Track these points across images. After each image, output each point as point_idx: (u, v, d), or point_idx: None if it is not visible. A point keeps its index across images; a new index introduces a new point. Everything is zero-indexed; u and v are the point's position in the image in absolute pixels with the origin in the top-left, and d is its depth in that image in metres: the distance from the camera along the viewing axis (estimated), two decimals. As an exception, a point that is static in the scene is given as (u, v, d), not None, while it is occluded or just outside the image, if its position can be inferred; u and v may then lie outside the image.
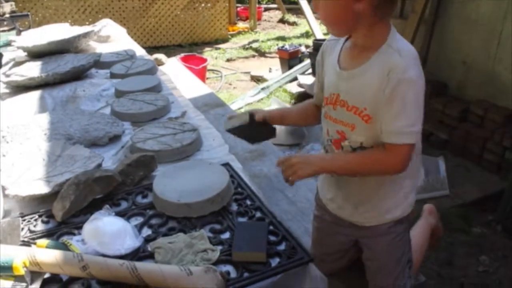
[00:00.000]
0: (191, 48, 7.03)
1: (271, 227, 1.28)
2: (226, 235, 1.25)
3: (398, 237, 1.45)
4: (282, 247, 1.21)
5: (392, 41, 1.21)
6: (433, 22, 3.87)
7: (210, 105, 2.93)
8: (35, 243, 1.24)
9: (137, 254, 1.18)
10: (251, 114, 1.47)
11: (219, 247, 1.18)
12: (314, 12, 4.28)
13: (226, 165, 1.56)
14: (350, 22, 1.20)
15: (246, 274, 1.11)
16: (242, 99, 4.40)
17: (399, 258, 1.48)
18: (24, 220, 1.36)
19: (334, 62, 1.33)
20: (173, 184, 1.38)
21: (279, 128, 3.49)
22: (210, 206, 1.32)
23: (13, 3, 10.06)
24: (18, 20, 4.32)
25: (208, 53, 6.73)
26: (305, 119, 1.57)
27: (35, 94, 2.33)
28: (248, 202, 1.40)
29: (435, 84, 3.82)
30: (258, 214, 1.34)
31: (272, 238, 1.24)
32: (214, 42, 7.44)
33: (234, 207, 1.38)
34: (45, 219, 1.36)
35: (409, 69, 1.17)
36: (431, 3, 3.79)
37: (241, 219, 1.32)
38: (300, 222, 1.88)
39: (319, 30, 5.90)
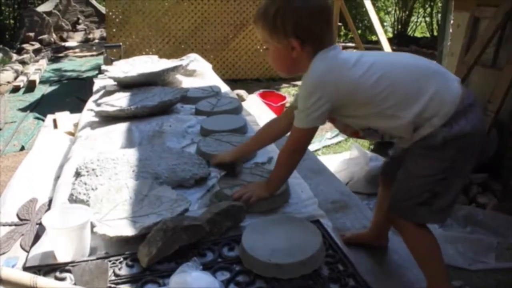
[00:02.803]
0: (268, 83, 7.07)
1: (365, 299, 1.18)
2: (317, 303, 1.17)
3: (424, 158, 1.43)
4: (379, 325, 1.10)
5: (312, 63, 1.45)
6: (530, 74, 3.64)
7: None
8: (120, 290, 1.21)
9: (224, 316, 1.11)
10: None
11: (311, 318, 1.10)
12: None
13: (316, 222, 1.48)
14: (292, 65, 1.51)
15: None
16: (320, 141, 4.32)
17: (418, 177, 1.44)
18: (109, 261, 1.34)
19: None
20: (262, 241, 1.32)
21: (358, 177, 3.39)
22: (302, 269, 1.24)
23: (103, 29, 10.72)
24: (108, 49, 4.53)
25: (286, 90, 6.74)
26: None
27: (123, 126, 2.38)
28: (341, 267, 1.30)
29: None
30: (352, 283, 1.25)
31: (367, 312, 1.14)
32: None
33: (325, 271, 1.29)
34: (130, 263, 1.34)
35: (306, 79, 1.44)
36: (529, 54, 3.57)
37: (333, 286, 1.23)
38: (385, 285, 1.75)
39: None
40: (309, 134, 1.48)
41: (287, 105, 4.86)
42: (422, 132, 1.40)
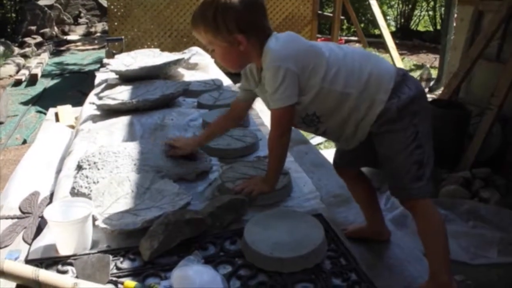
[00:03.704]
0: (269, 76, 7.04)
1: (368, 294, 1.18)
2: (320, 298, 1.16)
3: (389, 134, 1.48)
4: (381, 319, 1.10)
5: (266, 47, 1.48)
6: (534, 68, 3.61)
7: (292, 141, 2.85)
8: (122, 283, 1.21)
9: (226, 309, 1.11)
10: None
11: (313, 312, 1.09)
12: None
13: (319, 216, 1.48)
14: (242, 59, 1.54)
15: None
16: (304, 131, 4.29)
17: (396, 154, 1.48)
18: (111, 254, 1.34)
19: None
20: (264, 235, 1.31)
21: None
22: (304, 263, 1.24)
23: (104, 23, 10.69)
24: (110, 43, 4.51)
25: (286, 83, 6.71)
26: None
27: (125, 120, 2.37)
28: (343, 262, 1.30)
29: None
30: (354, 277, 1.25)
31: (369, 306, 1.13)
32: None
33: (328, 265, 1.29)
34: (132, 257, 1.34)
35: (267, 59, 1.46)
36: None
37: (335, 280, 1.23)
38: (387, 280, 1.74)
39: (401, 64, 5.71)
40: (288, 112, 1.48)
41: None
42: (375, 111, 1.46)
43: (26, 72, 7.06)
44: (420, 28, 10.92)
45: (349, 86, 1.46)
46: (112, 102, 2.51)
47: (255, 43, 1.48)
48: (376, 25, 8.22)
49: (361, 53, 1.57)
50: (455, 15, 4.74)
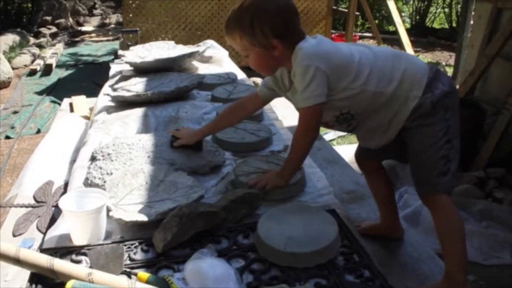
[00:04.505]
0: (283, 71, 7.02)
1: (381, 291, 1.17)
2: (333, 294, 1.16)
3: (422, 128, 1.50)
4: (394, 317, 1.09)
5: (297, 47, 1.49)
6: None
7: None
8: (135, 274, 1.22)
9: (239, 303, 1.11)
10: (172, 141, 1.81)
11: (326, 308, 1.09)
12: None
13: (332, 211, 1.47)
14: (275, 64, 1.57)
15: None
16: (335, 131, 4.29)
17: (427, 148, 1.49)
18: (124, 245, 1.35)
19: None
20: (278, 229, 1.31)
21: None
22: (317, 258, 1.24)
23: (119, 14, 10.70)
24: (125, 34, 4.51)
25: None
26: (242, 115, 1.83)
27: (139, 111, 2.38)
28: (356, 258, 1.30)
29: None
30: (367, 274, 1.24)
31: (383, 304, 1.13)
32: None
33: (341, 261, 1.28)
34: (145, 248, 1.34)
35: (297, 58, 1.47)
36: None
37: (348, 277, 1.22)
38: (400, 278, 1.73)
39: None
40: (316, 111, 1.48)
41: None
42: (410, 105, 1.48)
43: (41, 62, 7.11)
44: (436, 25, 10.80)
45: (382, 85, 1.48)
46: (126, 94, 2.51)
47: (289, 47, 1.50)
48: (390, 22, 8.15)
49: (392, 52, 1.59)
50: (473, 12, 4.68)
